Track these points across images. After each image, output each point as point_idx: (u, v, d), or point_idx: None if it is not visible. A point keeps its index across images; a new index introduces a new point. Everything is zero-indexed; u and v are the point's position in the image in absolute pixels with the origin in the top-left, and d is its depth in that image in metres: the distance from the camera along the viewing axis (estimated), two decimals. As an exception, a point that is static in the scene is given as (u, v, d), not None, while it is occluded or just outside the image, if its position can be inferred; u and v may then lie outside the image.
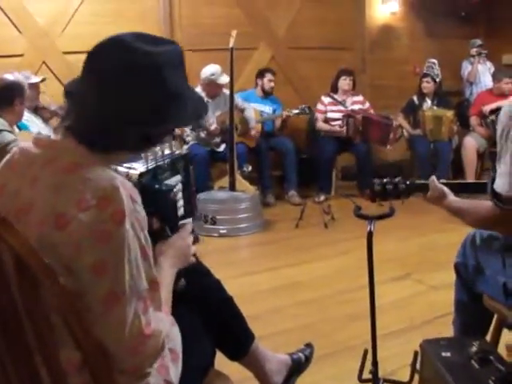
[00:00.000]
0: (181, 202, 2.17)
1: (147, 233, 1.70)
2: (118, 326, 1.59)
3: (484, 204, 2.50)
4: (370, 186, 2.84)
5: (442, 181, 2.81)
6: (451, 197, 2.72)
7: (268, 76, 8.26)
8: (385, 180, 2.81)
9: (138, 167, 2.10)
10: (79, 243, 1.56)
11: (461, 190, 2.87)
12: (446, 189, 2.74)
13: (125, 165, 2.13)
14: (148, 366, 1.71)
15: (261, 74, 8.33)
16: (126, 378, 1.68)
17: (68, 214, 1.57)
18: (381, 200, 2.85)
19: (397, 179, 2.82)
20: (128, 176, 2.00)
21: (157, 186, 2.08)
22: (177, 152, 2.26)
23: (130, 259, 1.60)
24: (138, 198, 1.70)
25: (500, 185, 2.34)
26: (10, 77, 4.62)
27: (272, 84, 8.28)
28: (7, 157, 1.83)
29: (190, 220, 2.20)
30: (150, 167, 2.12)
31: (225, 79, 7.27)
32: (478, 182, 3.04)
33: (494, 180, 2.39)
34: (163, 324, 1.73)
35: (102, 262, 1.57)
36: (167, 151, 2.27)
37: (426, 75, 8.56)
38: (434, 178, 2.80)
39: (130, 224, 1.61)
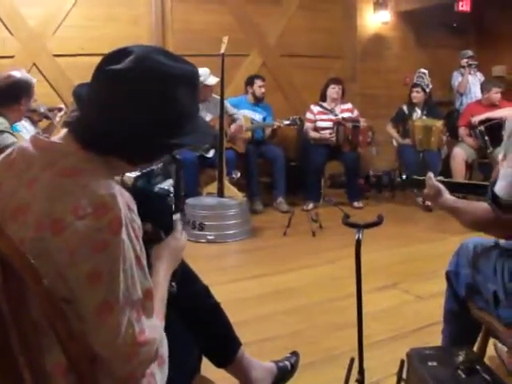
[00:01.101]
0: (173, 207, 2.17)
1: (142, 242, 1.69)
2: (111, 335, 1.58)
3: (481, 205, 2.51)
4: (365, 177, 2.84)
5: (439, 178, 2.81)
6: (447, 195, 2.73)
7: (258, 82, 8.28)
8: (380, 172, 2.81)
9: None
10: (74, 250, 1.54)
11: (457, 189, 2.87)
12: (442, 187, 2.74)
13: None
14: (141, 372, 1.70)
15: (250, 80, 8.36)
16: (113, 382, 1.67)
17: (64, 220, 1.55)
18: (376, 191, 2.85)
19: (393, 173, 2.82)
20: (122, 180, 1.99)
21: (155, 191, 2.07)
22: (168, 156, 2.25)
23: (125, 269, 1.59)
24: (135, 207, 1.69)
25: (501, 188, 2.35)
26: (17, 74, 4.57)
27: (263, 90, 8.30)
28: (3, 156, 1.80)
29: (177, 216, 2.19)
30: (144, 171, 2.11)
31: (212, 80, 7.30)
32: (476, 184, 3.03)
33: (494, 183, 2.40)
34: (157, 331, 1.72)
35: (96, 270, 1.55)
36: None
37: (415, 85, 8.60)
38: (431, 174, 2.81)
39: (127, 233, 1.59)
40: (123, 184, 1.90)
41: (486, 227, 2.57)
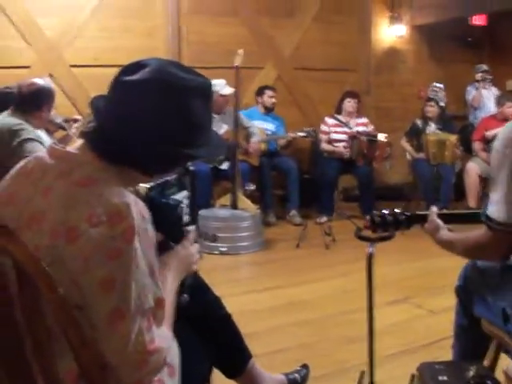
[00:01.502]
0: (186, 218, 2.17)
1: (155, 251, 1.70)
2: (121, 342, 1.59)
3: (473, 232, 2.52)
4: (369, 215, 2.85)
5: (443, 212, 2.82)
6: (442, 231, 2.73)
7: (268, 93, 8.29)
8: (384, 211, 2.81)
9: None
10: (88, 258, 1.56)
11: (458, 220, 2.89)
12: (440, 223, 2.74)
13: None
14: (148, 380, 1.70)
15: (260, 91, 8.36)
16: None
17: (79, 228, 1.57)
18: (382, 231, 2.86)
19: (396, 210, 2.82)
20: (136, 190, 2.01)
21: (164, 200, 2.08)
22: (183, 168, 2.27)
23: (138, 277, 1.60)
24: (149, 217, 1.70)
25: (494, 211, 2.36)
26: (40, 81, 4.60)
27: (273, 100, 8.31)
28: (20, 164, 1.82)
29: (192, 228, 2.20)
30: (158, 182, 2.12)
31: (228, 90, 7.32)
32: (469, 213, 3.06)
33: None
34: (166, 340, 1.73)
35: (109, 278, 1.57)
36: None
37: (430, 99, 8.59)
38: (434, 209, 2.81)
39: (140, 242, 1.61)
40: (137, 194, 1.91)
41: (481, 251, 2.58)
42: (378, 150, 8.09)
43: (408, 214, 2.82)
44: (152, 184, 2.09)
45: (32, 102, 4.49)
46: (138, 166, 1.76)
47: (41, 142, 4.39)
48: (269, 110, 8.36)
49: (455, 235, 2.69)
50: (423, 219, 2.81)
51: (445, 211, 2.85)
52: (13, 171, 1.83)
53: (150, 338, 1.63)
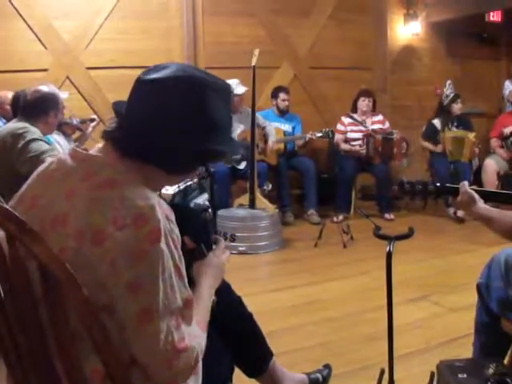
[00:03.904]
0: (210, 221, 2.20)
1: (181, 252, 1.72)
2: (151, 342, 1.60)
3: None
4: (398, 184, 2.84)
5: (472, 187, 2.80)
6: (481, 203, 2.70)
7: (281, 96, 8.30)
8: (414, 180, 2.81)
9: (170, 188, 2.13)
10: (114, 260, 1.58)
11: (490, 198, 2.85)
12: (476, 195, 2.71)
13: None
14: (182, 380, 1.71)
15: (275, 93, 8.38)
16: None
17: (104, 231, 1.58)
18: (410, 198, 2.84)
19: (427, 180, 2.81)
20: (161, 197, 2.02)
21: (191, 207, 2.10)
22: (203, 171, 2.29)
23: (165, 278, 1.61)
24: (173, 217, 1.71)
25: None
26: (45, 88, 4.63)
27: (286, 103, 8.33)
28: (42, 167, 1.84)
29: (221, 238, 2.22)
30: (181, 187, 2.15)
31: (241, 89, 7.37)
32: (509, 193, 3.00)
33: None
34: (197, 340, 1.73)
35: (137, 280, 1.58)
36: None
37: (457, 96, 8.41)
38: (465, 182, 2.79)
39: (166, 243, 1.62)
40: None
41: None
42: (395, 147, 8.08)
43: (438, 184, 2.81)
44: (175, 190, 2.11)
45: (37, 108, 4.52)
46: (161, 163, 1.78)
47: (46, 142, 4.43)
48: (283, 113, 8.39)
49: (496, 211, 2.64)
50: (454, 192, 2.79)
51: (475, 187, 2.80)
52: (34, 174, 1.85)
53: (180, 337, 1.64)
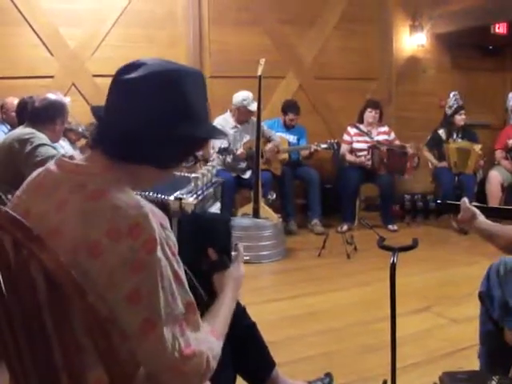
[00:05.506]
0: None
1: (179, 257, 1.71)
2: (157, 350, 1.59)
3: None
4: (399, 202, 2.84)
5: (473, 204, 2.81)
6: (482, 218, 2.71)
7: (290, 115, 8.33)
8: (415, 197, 2.81)
9: (188, 197, 2.12)
10: (112, 272, 1.58)
11: (491, 214, 2.85)
12: (477, 210, 2.73)
13: (175, 194, 2.15)
14: None
15: (285, 109, 8.39)
16: None
17: (100, 243, 1.58)
18: (411, 218, 2.85)
19: (428, 197, 2.81)
20: (182, 208, 2.02)
21: (215, 217, 2.09)
22: (215, 180, 2.30)
23: (164, 286, 1.61)
24: (168, 224, 1.70)
25: None
26: (52, 96, 4.66)
27: (293, 122, 8.37)
28: (32, 176, 1.83)
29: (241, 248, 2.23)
30: (199, 197, 2.14)
31: (255, 106, 7.32)
32: (509, 208, 3.00)
33: None
34: (206, 345, 1.71)
35: (136, 291, 1.58)
36: (205, 179, 2.30)
37: (460, 108, 8.39)
38: (465, 199, 2.80)
39: (162, 251, 1.62)
40: (183, 212, 1.93)
41: None
42: (408, 161, 8.09)
43: (439, 201, 2.81)
44: (195, 201, 2.10)
45: (44, 115, 4.54)
46: (148, 159, 1.77)
47: (53, 147, 4.44)
48: (288, 128, 8.42)
49: (496, 226, 2.66)
50: (454, 209, 2.80)
51: (476, 204, 2.81)
52: (24, 185, 1.84)
53: (186, 343, 1.63)
